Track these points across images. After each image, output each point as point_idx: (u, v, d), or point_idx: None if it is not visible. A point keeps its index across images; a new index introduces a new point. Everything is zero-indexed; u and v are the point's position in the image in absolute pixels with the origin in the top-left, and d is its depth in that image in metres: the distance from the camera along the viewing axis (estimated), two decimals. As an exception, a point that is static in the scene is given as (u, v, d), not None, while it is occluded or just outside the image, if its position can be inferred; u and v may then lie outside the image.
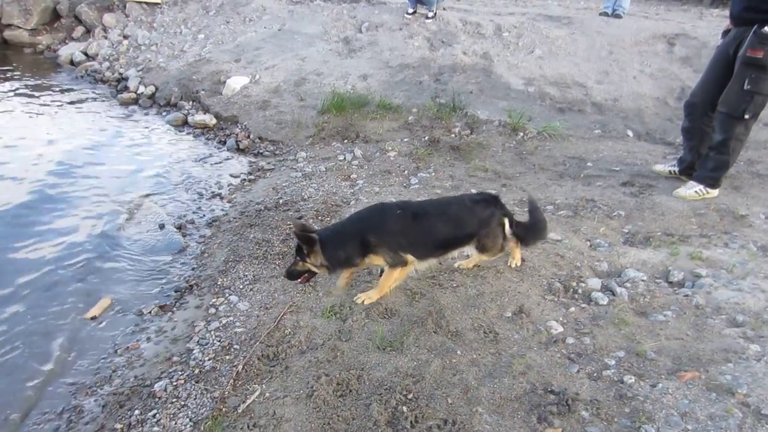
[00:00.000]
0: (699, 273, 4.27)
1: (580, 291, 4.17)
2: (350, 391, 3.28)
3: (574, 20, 10.70)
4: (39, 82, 11.09)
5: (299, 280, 4.04)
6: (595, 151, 7.25)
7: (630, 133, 7.91)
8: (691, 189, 5.68)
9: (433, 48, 10.21)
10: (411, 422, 3.01)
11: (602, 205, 5.60)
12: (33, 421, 3.50)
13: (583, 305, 4.00)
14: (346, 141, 7.94)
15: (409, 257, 3.90)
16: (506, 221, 4.11)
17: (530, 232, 4.26)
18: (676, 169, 6.21)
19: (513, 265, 4.40)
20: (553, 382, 3.26)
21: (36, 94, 10.26)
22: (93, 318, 4.44)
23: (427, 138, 7.71)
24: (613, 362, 3.40)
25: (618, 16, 11.03)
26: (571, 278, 4.31)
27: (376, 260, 3.96)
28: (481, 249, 4.09)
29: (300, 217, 5.61)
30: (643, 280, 4.24)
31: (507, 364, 3.43)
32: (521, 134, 7.76)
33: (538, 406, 3.08)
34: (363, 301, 4.06)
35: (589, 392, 3.16)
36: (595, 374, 3.32)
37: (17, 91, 10.31)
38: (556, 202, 5.72)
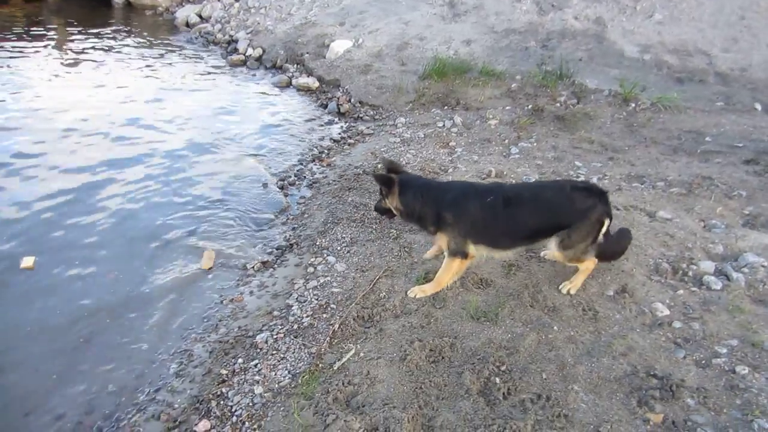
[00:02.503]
0: (831, 262, 3.88)
1: (690, 273, 3.92)
2: (443, 358, 3.30)
3: (701, -19, 9.84)
4: (157, 42, 11.81)
5: (385, 216, 4.14)
6: (716, 125, 6.70)
7: (758, 107, 7.23)
8: (827, 170, 5.14)
9: (542, 12, 9.78)
10: (503, 394, 3.00)
11: (720, 183, 5.19)
12: (149, 359, 3.78)
13: (693, 289, 3.77)
14: (446, 107, 7.85)
15: (471, 251, 3.69)
16: (607, 222, 3.56)
17: (613, 243, 3.77)
18: (811, 147, 5.64)
19: (565, 291, 3.78)
20: (656, 365, 3.12)
21: (153, 53, 10.93)
22: (210, 269, 4.70)
23: (530, 106, 7.46)
24: (725, 351, 3.19)
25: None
26: (681, 259, 4.06)
27: (441, 239, 3.81)
28: (563, 246, 3.55)
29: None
30: (763, 266, 3.91)
31: (606, 344, 3.31)
32: (633, 105, 7.31)
33: (638, 389, 2.97)
34: (416, 295, 3.88)
35: (696, 380, 3.00)
36: (703, 362, 3.14)
37: (137, 50, 11.04)
38: (668, 178, 5.37)
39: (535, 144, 6.44)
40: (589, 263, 3.73)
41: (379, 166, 3.90)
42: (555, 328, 3.47)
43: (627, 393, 2.96)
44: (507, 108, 7.55)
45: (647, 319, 3.52)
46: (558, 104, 7.52)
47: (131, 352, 3.83)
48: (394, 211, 3.90)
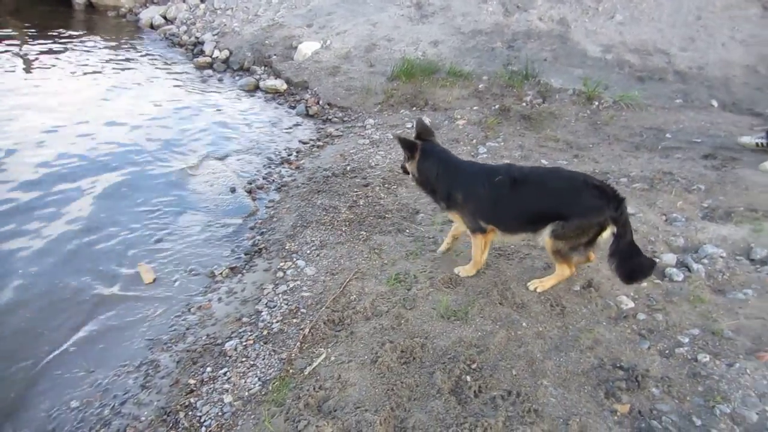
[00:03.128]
0: (785, 251, 4.05)
1: (653, 266, 4.03)
2: (414, 358, 3.32)
3: (660, -17, 10.09)
4: (120, 44, 11.58)
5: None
6: (675, 122, 6.90)
7: (715, 103, 7.47)
8: (781, 163, 5.35)
9: (508, 13, 9.91)
10: (474, 392, 3.04)
11: (680, 178, 5.35)
12: (114, 372, 3.67)
13: (657, 281, 3.88)
14: (414, 108, 7.90)
15: (488, 227, 3.79)
16: (611, 229, 3.45)
17: (633, 263, 3.52)
18: (764, 141, 5.85)
19: (532, 288, 3.83)
20: (622, 357, 3.20)
21: (117, 56, 10.72)
22: (153, 281, 4.56)
23: (497, 106, 7.56)
24: (687, 340, 3.30)
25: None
26: (645, 253, 4.16)
27: (454, 218, 3.99)
28: (555, 234, 3.51)
29: (366, 185, 5.67)
30: (722, 257, 4.05)
31: (574, 338, 3.39)
32: (596, 103, 7.48)
33: (605, 381, 3.04)
34: (459, 273, 4.06)
35: (661, 369, 3.09)
36: (667, 351, 3.24)
37: (100, 53, 10.80)
38: (631, 174, 5.51)
39: (502, 143, 6.53)
40: (566, 269, 3.74)
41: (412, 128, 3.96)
42: (524, 324, 3.53)
43: (594, 385, 3.04)
44: (474, 108, 7.64)
45: (613, 312, 3.61)
46: (524, 104, 7.64)
47: (94, 365, 3.72)
48: (411, 178, 4.03)
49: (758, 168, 5.41)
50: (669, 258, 4.06)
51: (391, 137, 3.98)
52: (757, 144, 5.89)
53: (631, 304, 3.65)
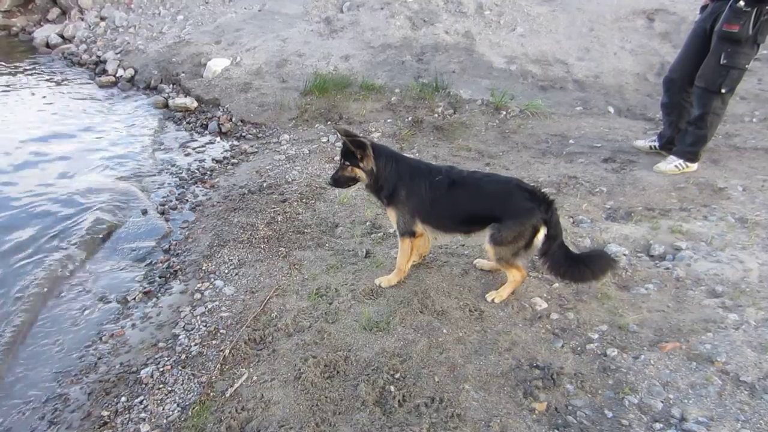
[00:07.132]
0: (679, 246, 4.36)
1: (563, 267, 4.22)
2: (338, 372, 3.32)
3: (555, -3, 10.66)
4: (14, 65, 10.86)
5: (341, 187, 4.11)
6: (577, 128, 7.29)
7: (611, 110, 7.97)
8: (671, 164, 5.76)
9: (415, 27, 10.14)
10: (399, 401, 3.07)
11: (584, 181, 5.66)
12: (17, 410, 3.45)
13: (567, 280, 4.05)
14: (329, 122, 7.91)
15: (419, 229, 3.86)
16: (543, 229, 3.55)
17: (578, 263, 3.62)
18: (656, 144, 6.29)
19: (489, 300, 3.86)
20: (538, 357, 3.33)
21: (11, 78, 10.07)
22: None
23: (410, 118, 7.71)
24: (597, 336, 3.48)
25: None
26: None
27: (390, 215, 3.96)
28: (494, 240, 3.57)
29: (284, 200, 5.62)
30: (625, 255, 4.32)
31: (492, 341, 3.49)
32: (504, 113, 7.78)
33: (523, 382, 3.16)
34: (381, 284, 4.09)
35: (574, 366, 3.24)
36: (579, 348, 3.40)
37: (-8, 77, 10.10)
38: (540, 179, 5.77)
39: (417, 154, 6.65)
40: (517, 273, 3.81)
41: (338, 134, 3.88)
42: (444, 331, 3.61)
43: (513, 386, 3.14)
44: (388, 120, 7.75)
45: (528, 313, 3.76)
46: (436, 115, 7.83)
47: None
48: (365, 176, 3.84)
49: (653, 169, 5.82)
50: (577, 258, 4.27)
51: (339, 137, 3.97)
52: (650, 147, 6.33)
53: (545, 305, 3.81)
